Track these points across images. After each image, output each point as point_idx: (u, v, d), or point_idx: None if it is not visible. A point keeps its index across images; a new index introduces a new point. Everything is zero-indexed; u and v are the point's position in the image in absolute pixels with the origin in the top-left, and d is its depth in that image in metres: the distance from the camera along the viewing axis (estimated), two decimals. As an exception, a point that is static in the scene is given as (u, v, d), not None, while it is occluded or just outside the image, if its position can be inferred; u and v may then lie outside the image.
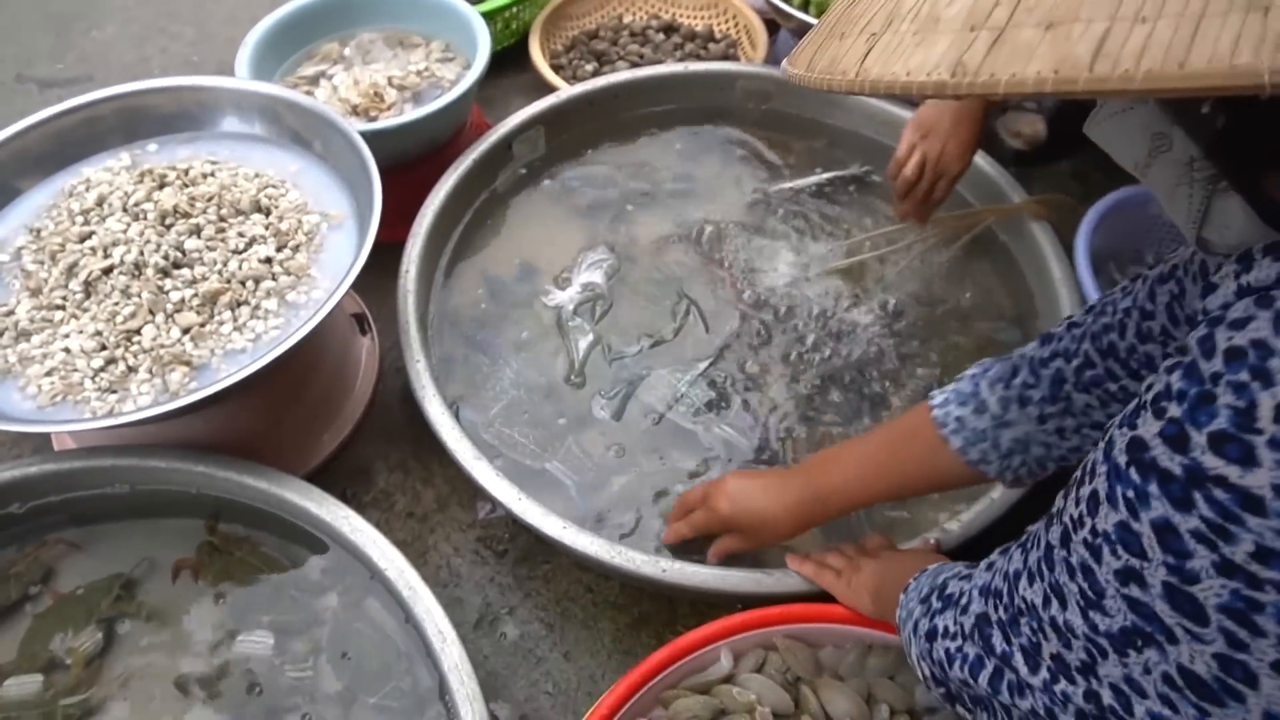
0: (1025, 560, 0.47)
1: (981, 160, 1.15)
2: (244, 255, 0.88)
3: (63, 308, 0.84)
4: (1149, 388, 0.38)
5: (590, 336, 1.07)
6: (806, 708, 0.70)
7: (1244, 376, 0.33)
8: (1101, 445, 0.41)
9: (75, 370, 0.81)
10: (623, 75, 1.28)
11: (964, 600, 0.53)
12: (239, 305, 0.85)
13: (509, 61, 1.49)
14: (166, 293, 0.84)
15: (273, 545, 0.87)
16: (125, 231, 0.87)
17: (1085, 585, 0.40)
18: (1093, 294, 1.01)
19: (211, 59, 1.59)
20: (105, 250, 0.86)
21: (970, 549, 0.81)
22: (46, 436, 1.01)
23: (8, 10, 1.69)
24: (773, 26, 1.51)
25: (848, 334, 1.07)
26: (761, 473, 0.83)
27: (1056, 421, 0.65)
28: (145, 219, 0.88)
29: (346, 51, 1.25)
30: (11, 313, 0.85)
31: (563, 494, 0.94)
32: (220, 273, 0.86)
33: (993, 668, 0.48)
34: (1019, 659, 0.46)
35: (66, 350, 0.82)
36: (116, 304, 0.83)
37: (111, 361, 0.81)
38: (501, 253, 1.17)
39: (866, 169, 1.25)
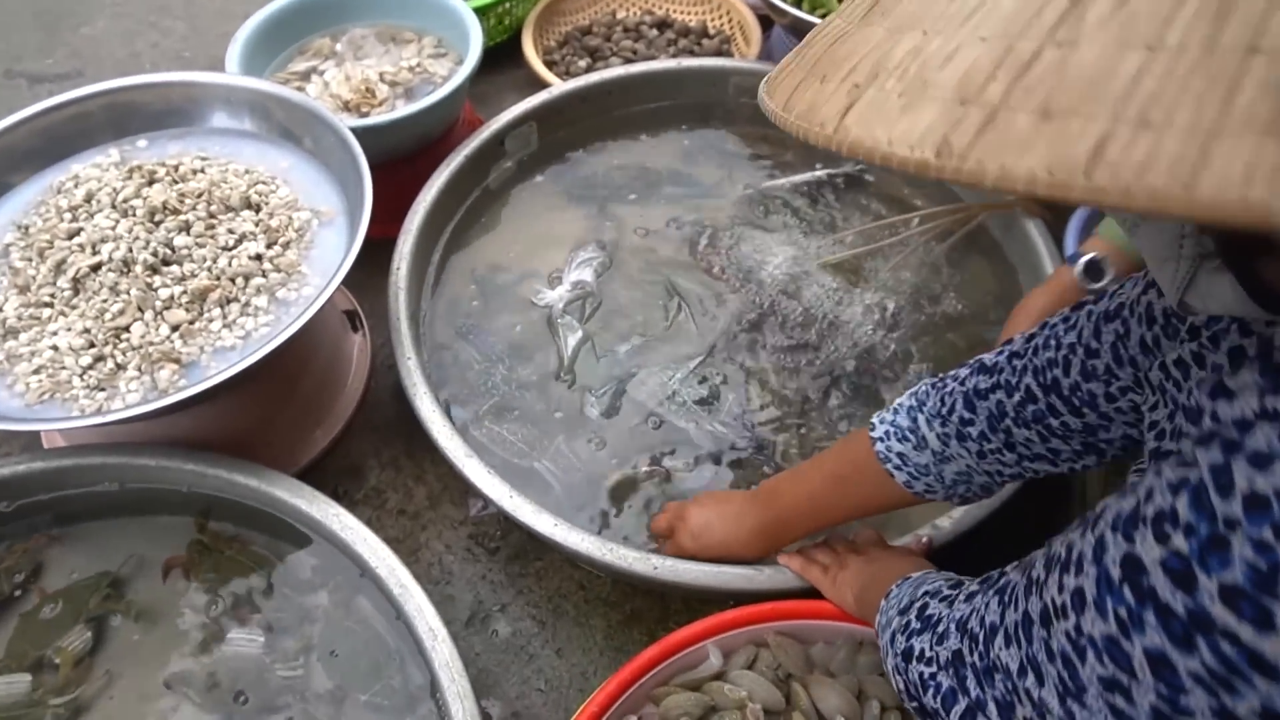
0: (1002, 616, 0.45)
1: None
2: (234, 252, 0.88)
3: (51, 305, 0.84)
4: (1148, 496, 0.35)
5: (579, 334, 1.07)
6: (798, 704, 0.70)
7: (1268, 535, 0.30)
8: (1090, 539, 0.38)
9: (64, 368, 0.80)
10: (616, 71, 1.27)
11: (941, 629, 0.52)
12: (229, 302, 0.85)
13: (502, 57, 1.49)
14: (155, 290, 0.84)
15: (263, 543, 0.86)
16: (114, 228, 0.86)
17: (1065, 675, 0.39)
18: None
19: (203, 54, 1.58)
20: (94, 247, 0.85)
21: (962, 545, 0.82)
22: (35, 435, 1.01)
23: (-3, 6, 1.69)
24: (766, 22, 1.51)
25: (840, 329, 1.07)
26: (722, 500, 0.83)
27: (997, 456, 0.64)
28: (134, 215, 0.88)
29: (338, 47, 1.24)
30: (-1, 310, 0.84)
31: (551, 493, 0.94)
32: (210, 269, 0.86)
33: (965, 706, 0.47)
34: (992, 709, 0.45)
35: (55, 348, 0.81)
36: (105, 301, 0.83)
37: (100, 359, 0.81)
38: (493, 250, 1.16)
39: (860, 167, 1.25)
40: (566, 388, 1.02)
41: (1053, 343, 0.60)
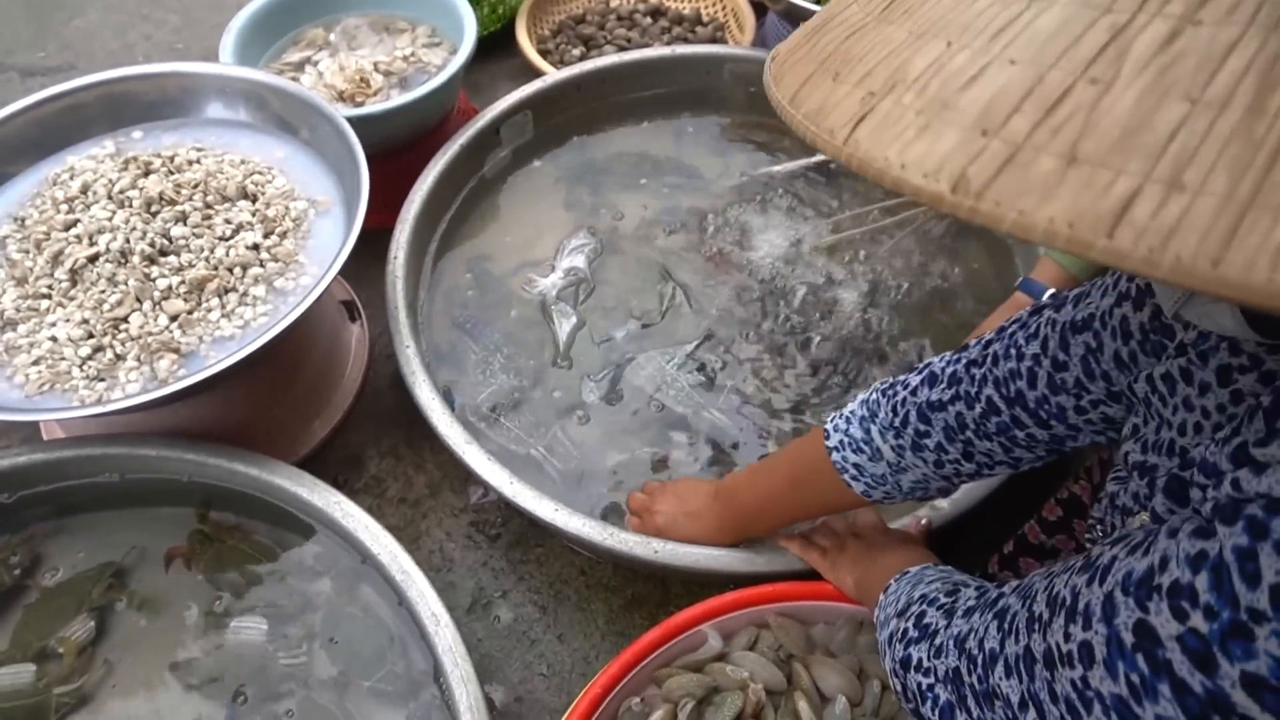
0: (1002, 645, 0.45)
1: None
2: (231, 242, 0.88)
3: (49, 296, 0.84)
4: (1163, 565, 0.34)
5: (574, 320, 1.07)
6: (799, 684, 0.71)
7: None
8: (1098, 593, 0.38)
9: (63, 359, 0.80)
10: (610, 59, 1.27)
11: (939, 641, 0.51)
12: (227, 292, 0.85)
13: (495, 46, 1.48)
14: (153, 280, 0.84)
15: (264, 532, 0.87)
16: (111, 219, 0.86)
17: (1069, 718, 0.39)
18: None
19: (196, 46, 1.58)
20: (91, 238, 0.85)
21: (961, 525, 0.82)
22: (35, 426, 1.01)
23: (-13, -1, 1.68)
24: (760, 9, 1.51)
25: (835, 312, 1.07)
26: (690, 494, 0.83)
27: (954, 465, 0.63)
28: (131, 206, 0.87)
29: (332, 37, 1.24)
30: (-3, 302, 0.84)
31: (549, 480, 0.94)
32: (207, 260, 0.86)
33: None
34: None
35: (53, 339, 0.81)
36: (103, 292, 0.83)
37: (99, 350, 0.81)
38: (490, 238, 1.16)
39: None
40: (564, 374, 1.03)
41: (1013, 352, 0.58)
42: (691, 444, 0.97)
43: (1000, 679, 0.44)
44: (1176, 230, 0.22)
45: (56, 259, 0.85)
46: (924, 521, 0.82)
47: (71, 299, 0.83)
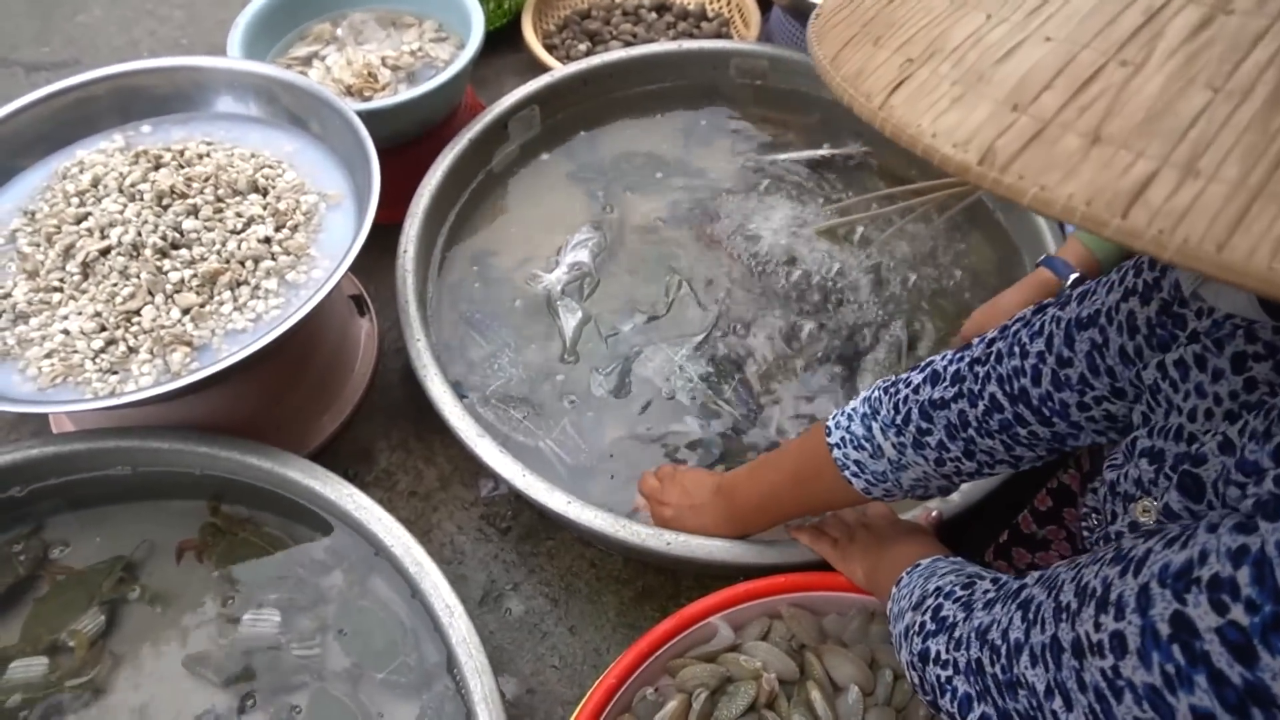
0: (1026, 634, 0.45)
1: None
2: (243, 235, 0.88)
3: (61, 289, 0.84)
4: (1202, 558, 0.35)
5: (579, 314, 1.07)
6: (812, 674, 0.71)
7: None
8: (1131, 584, 0.38)
9: (75, 352, 0.80)
10: (617, 54, 1.28)
11: (958, 634, 0.51)
12: (239, 285, 0.85)
13: (502, 42, 1.48)
14: (165, 273, 0.84)
15: (276, 525, 0.87)
16: (122, 212, 0.86)
17: (1098, 708, 0.39)
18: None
19: (201, 42, 1.58)
20: (102, 231, 0.85)
21: (971, 517, 0.83)
22: (45, 420, 1.01)
23: (-10, -5, 1.68)
24: (765, 4, 1.51)
25: (840, 301, 1.08)
26: (695, 487, 0.83)
27: (955, 463, 0.63)
28: (142, 200, 0.88)
29: (339, 32, 1.24)
30: (9, 295, 0.84)
31: (558, 472, 0.94)
32: (219, 253, 0.86)
33: (982, 713, 0.48)
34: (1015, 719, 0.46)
35: (66, 332, 0.81)
36: (115, 285, 0.83)
37: (112, 342, 0.81)
38: (496, 232, 1.17)
39: (865, 150, 1.25)
40: (571, 368, 1.03)
41: (1017, 350, 0.58)
42: (700, 435, 0.97)
43: (1025, 668, 0.44)
44: (1187, 214, 0.23)
45: (68, 252, 0.85)
46: (934, 514, 0.82)
47: (83, 292, 0.84)
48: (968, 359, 0.61)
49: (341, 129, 0.94)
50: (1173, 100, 0.24)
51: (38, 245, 0.87)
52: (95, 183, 0.90)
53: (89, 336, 0.81)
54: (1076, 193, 0.25)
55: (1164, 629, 0.35)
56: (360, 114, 0.94)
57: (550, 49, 1.45)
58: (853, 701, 0.69)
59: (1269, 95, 0.23)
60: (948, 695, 0.51)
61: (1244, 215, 0.22)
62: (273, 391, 0.96)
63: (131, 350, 0.81)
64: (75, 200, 0.89)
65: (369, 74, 1.15)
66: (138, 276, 0.83)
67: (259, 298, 0.85)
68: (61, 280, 0.84)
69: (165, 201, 0.88)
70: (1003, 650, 0.46)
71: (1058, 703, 0.42)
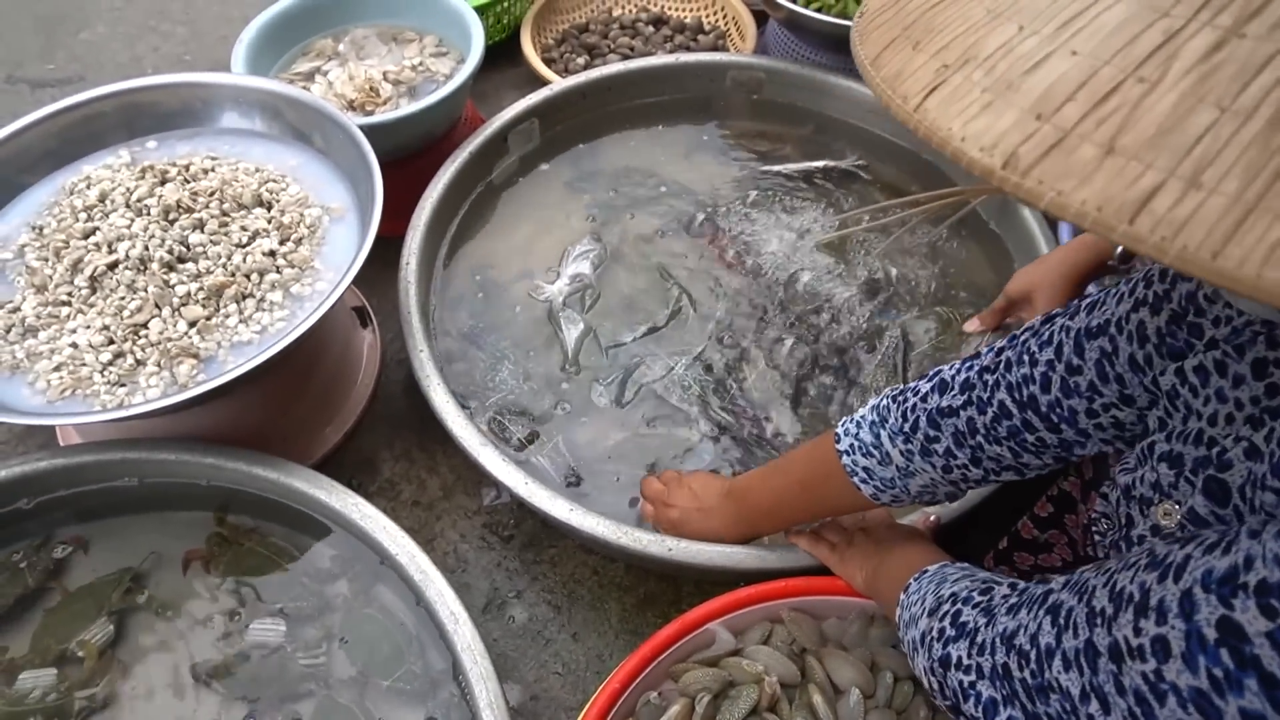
0: (1058, 639, 0.45)
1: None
2: (248, 249, 0.89)
3: (69, 303, 0.85)
4: (1248, 564, 0.36)
5: (581, 325, 1.08)
6: (813, 677, 0.72)
7: None
8: (1173, 589, 0.39)
9: (84, 365, 0.81)
10: (615, 67, 1.29)
11: (980, 639, 0.52)
12: (244, 298, 0.86)
13: (501, 56, 1.50)
14: (172, 286, 0.85)
15: (281, 535, 0.88)
16: (129, 227, 0.88)
17: (1139, 711, 0.40)
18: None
19: (204, 58, 1.59)
20: (110, 246, 0.87)
21: (969, 523, 0.84)
22: (52, 434, 1.02)
23: (-5, 12, 1.70)
24: (761, 18, 1.53)
25: (838, 311, 1.09)
26: (703, 491, 0.85)
27: (962, 470, 0.64)
28: (149, 214, 0.89)
29: (341, 47, 1.25)
30: (17, 309, 0.85)
31: (556, 482, 0.95)
32: (225, 266, 0.87)
33: (1008, 717, 0.48)
34: None
35: (74, 345, 0.82)
36: (123, 299, 0.84)
37: (120, 355, 0.82)
38: (497, 244, 1.18)
39: (861, 163, 1.27)
40: (572, 379, 1.04)
41: (1026, 358, 0.59)
42: (701, 445, 0.98)
43: (1058, 673, 0.45)
44: (1187, 223, 0.25)
45: (76, 266, 0.86)
46: (932, 518, 0.83)
47: (91, 306, 0.85)
48: (977, 367, 0.63)
49: (344, 143, 0.96)
50: (1183, 117, 0.26)
51: (46, 260, 0.88)
52: (102, 198, 0.91)
53: (97, 349, 0.82)
54: (1089, 199, 0.27)
55: (1210, 634, 0.36)
56: (363, 128, 0.95)
57: (549, 63, 1.47)
58: (854, 704, 0.70)
59: (1272, 116, 0.25)
60: (971, 700, 0.51)
61: (1239, 226, 0.24)
62: (278, 403, 0.97)
63: (139, 363, 0.82)
64: (83, 215, 0.90)
65: (371, 89, 1.16)
66: (145, 290, 0.84)
67: (264, 310, 0.86)
68: (70, 294, 0.85)
69: (172, 216, 0.89)
70: (1032, 655, 0.47)
71: (1094, 706, 0.42)
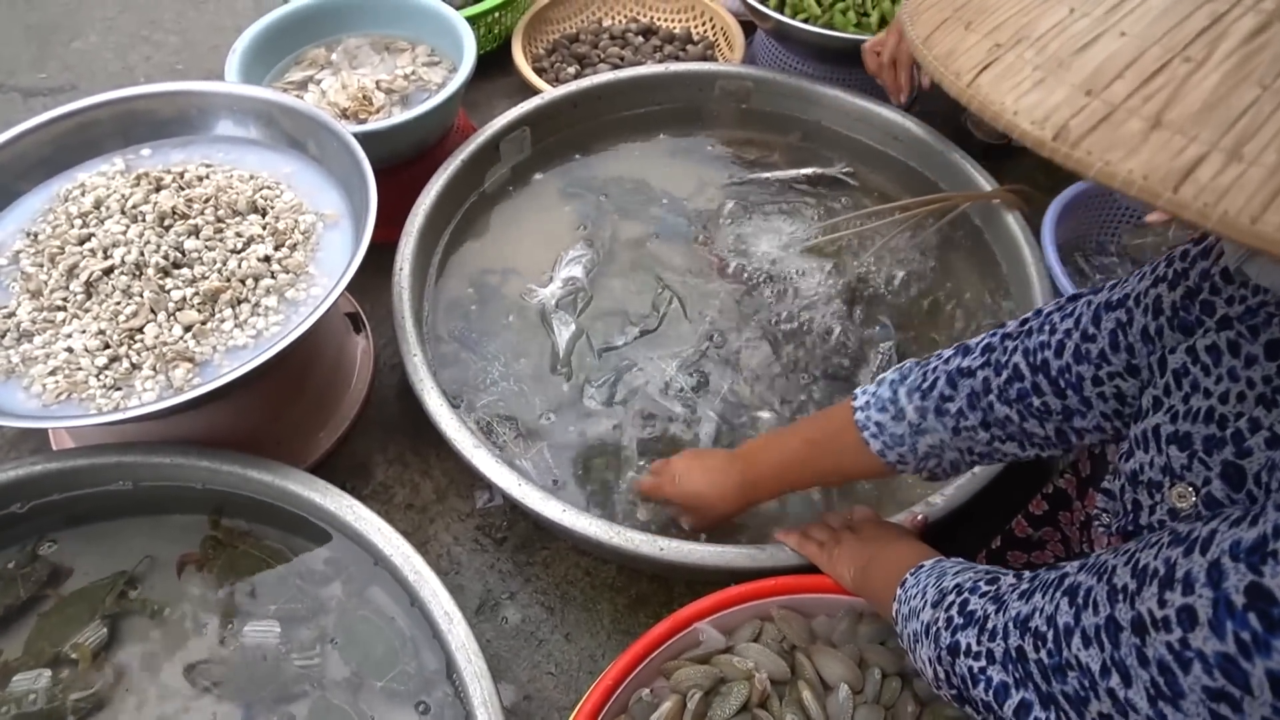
0: (1078, 618, 0.46)
1: (953, 151, 1.21)
2: (243, 254, 0.90)
3: (64, 308, 0.86)
4: (1275, 532, 0.37)
5: (573, 328, 1.10)
6: (802, 674, 0.73)
7: None
8: (1199, 561, 0.40)
9: (79, 369, 0.82)
10: (606, 77, 1.31)
11: (991, 625, 0.53)
12: (240, 303, 0.87)
13: (492, 65, 1.52)
14: (168, 292, 0.86)
15: (275, 538, 0.88)
16: (125, 233, 0.89)
17: (1161, 681, 0.41)
18: (1063, 281, 1.05)
19: (196, 67, 1.60)
20: (105, 251, 0.87)
21: (955, 521, 0.85)
22: (45, 439, 1.02)
23: (-14, 22, 1.70)
24: (749, 28, 1.55)
25: (826, 315, 1.11)
26: (708, 455, 0.87)
27: (970, 434, 0.67)
28: (144, 221, 0.90)
29: (333, 57, 1.27)
30: (12, 314, 0.86)
31: (548, 483, 0.96)
32: (220, 271, 0.88)
33: (1020, 699, 0.49)
34: (1062, 702, 0.47)
35: (69, 350, 0.83)
36: (118, 303, 0.85)
37: (115, 359, 0.83)
38: (490, 250, 1.19)
39: (848, 170, 1.29)
40: (564, 381, 1.05)
41: (1047, 327, 0.63)
42: (690, 446, 0.99)
43: (1077, 650, 0.46)
44: (1229, 191, 0.27)
45: (71, 272, 0.87)
46: (920, 518, 0.85)
47: (87, 310, 0.85)
48: (1000, 334, 0.67)
49: (339, 151, 0.97)
50: (1226, 95, 0.28)
51: (41, 265, 0.88)
52: (98, 204, 0.92)
53: (93, 354, 0.83)
54: (1136, 169, 0.29)
55: (1238, 599, 0.37)
56: (356, 136, 0.96)
57: (540, 72, 1.48)
58: (843, 700, 0.71)
59: None
60: (980, 685, 0.52)
61: (1277, 194, 0.26)
62: (272, 407, 0.98)
63: (135, 367, 0.83)
64: (78, 222, 0.91)
65: (364, 97, 1.18)
66: (140, 295, 0.85)
67: (259, 315, 0.87)
68: (65, 299, 0.86)
69: (167, 222, 0.90)
70: (1049, 635, 0.48)
71: (1115, 680, 0.43)
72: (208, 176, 0.96)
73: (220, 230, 0.91)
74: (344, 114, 1.17)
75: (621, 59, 1.50)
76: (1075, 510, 0.79)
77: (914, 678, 0.74)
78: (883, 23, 1.32)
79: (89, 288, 0.86)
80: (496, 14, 1.48)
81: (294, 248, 0.92)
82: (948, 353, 0.70)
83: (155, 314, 0.85)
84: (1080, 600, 0.47)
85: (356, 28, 1.30)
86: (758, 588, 0.77)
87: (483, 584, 0.95)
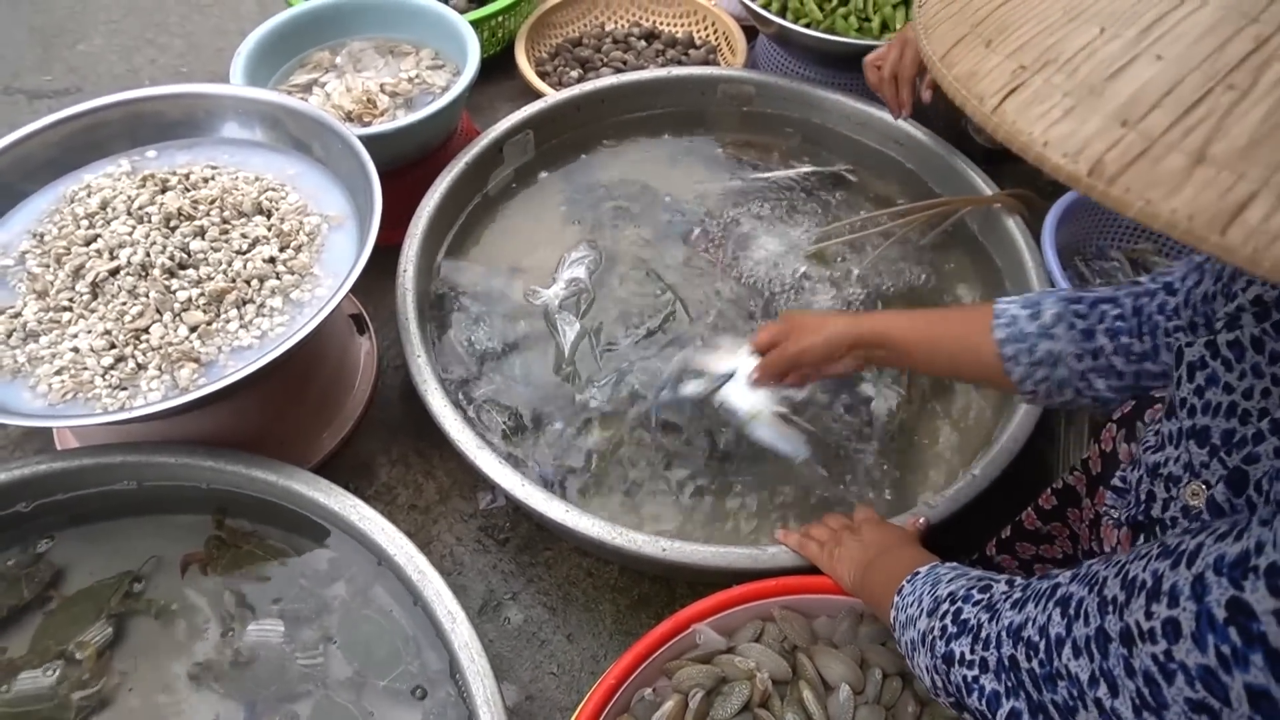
0: (1069, 629, 0.47)
1: (954, 156, 1.22)
2: (248, 255, 0.90)
3: (70, 309, 0.86)
4: (1259, 549, 0.37)
5: (577, 328, 1.10)
6: (804, 674, 0.74)
7: None
8: (1185, 574, 0.40)
9: (85, 369, 0.83)
10: (609, 80, 1.32)
11: (984, 634, 0.54)
12: (245, 303, 0.88)
13: (495, 69, 1.52)
14: (173, 292, 0.86)
15: (279, 538, 0.89)
16: (131, 234, 0.89)
17: (1146, 691, 0.41)
18: (1063, 285, 1.05)
19: (201, 69, 1.61)
20: (111, 252, 0.88)
21: (956, 524, 0.85)
22: (50, 438, 1.02)
23: (-8, 25, 1.71)
24: (751, 32, 1.56)
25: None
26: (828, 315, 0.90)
27: (1075, 356, 0.70)
28: (150, 222, 0.90)
29: (338, 60, 1.27)
30: (19, 314, 0.87)
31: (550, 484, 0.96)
32: (225, 272, 0.89)
33: (1011, 708, 0.50)
34: (1051, 711, 0.48)
35: (75, 349, 0.83)
36: (124, 304, 0.85)
37: (121, 359, 0.83)
38: (493, 252, 1.20)
39: (848, 169, 1.30)
40: (567, 380, 1.06)
41: (1148, 284, 0.69)
42: (691, 445, 1.00)
43: (1068, 660, 0.46)
44: None
45: (77, 273, 0.87)
46: (921, 521, 0.85)
47: (93, 311, 0.86)
48: (1125, 287, 0.72)
49: (343, 153, 0.97)
50: (1276, 126, 0.26)
51: (47, 266, 0.89)
52: (104, 205, 0.92)
53: (99, 354, 0.83)
54: (1180, 209, 0.26)
55: (1220, 613, 0.38)
56: (361, 139, 0.97)
57: (543, 75, 1.49)
58: (844, 700, 0.72)
59: None
60: (974, 694, 0.53)
61: None
62: (277, 407, 0.98)
63: (140, 367, 0.83)
64: (84, 223, 0.91)
65: (368, 100, 1.18)
66: (146, 295, 0.85)
67: (264, 315, 0.88)
68: (71, 300, 0.87)
69: (173, 223, 0.91)
70: (1041, 645, 0.49)
71: (1102, 690, 0.44)
72: (213, 178, 0.97)
73: (226, 231, 0.92)
74: (348, 117, 1.17)
75: (624, 63, 1.51)
76: (1085, 508, 0.79)
77: (914, 678, 0.74)
78: (884, 28, 1.33)
79: (95, 288, 0.87)
80: (500, 18, 1.49)
81: (299, 249, 0.93)
82: (1100, 285, 0.73)
83: (161, 314, 0.85)
84: (1072, 611, 0.48)
85: (361, 31, 1.30)
86: (759, 588, 0.77)
87: (485, 584, 0.95)
